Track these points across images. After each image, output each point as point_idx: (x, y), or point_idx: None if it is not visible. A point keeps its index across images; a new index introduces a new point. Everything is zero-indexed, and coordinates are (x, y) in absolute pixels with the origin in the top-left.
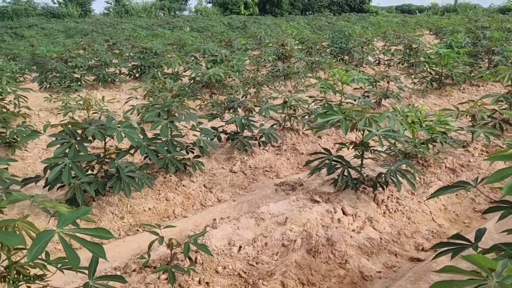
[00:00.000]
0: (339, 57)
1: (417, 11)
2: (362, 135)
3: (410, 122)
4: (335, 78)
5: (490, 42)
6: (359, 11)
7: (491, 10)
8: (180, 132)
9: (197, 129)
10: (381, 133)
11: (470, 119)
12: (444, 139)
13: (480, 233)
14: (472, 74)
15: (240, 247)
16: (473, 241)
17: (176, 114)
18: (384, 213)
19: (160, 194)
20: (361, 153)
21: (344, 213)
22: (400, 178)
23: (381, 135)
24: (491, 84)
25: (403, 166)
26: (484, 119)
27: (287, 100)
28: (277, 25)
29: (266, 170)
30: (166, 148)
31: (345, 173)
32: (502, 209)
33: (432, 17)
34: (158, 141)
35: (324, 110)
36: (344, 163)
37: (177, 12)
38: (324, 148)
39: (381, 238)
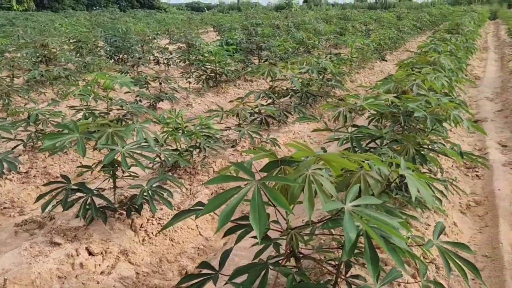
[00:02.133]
0: (117, 57)
1: (205, 8)
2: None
3: (171, 129)
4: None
5: (262, 38)
6: (150, 7)
7: (268, 8)
8: None
9: None
10: (126, 150)
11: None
12: (208, 144)
13: (223, 259)
14: (246, 70)
15: None
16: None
17: None
18: (143, 240)
19: None
20: (112, 174)
21: (90, 253)
22: (158, 197)
23: (125, 153)
24: (263, 79)
25: (160, 183)
26: (247, 117)
27: (30, 114)
28: (52, 21)
29: (5, 207)
30: None
31: (89, 202)
32: (241, 228)
33: (217, 15)
34: None
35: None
36: (86, 191)
37: None
38: (62, 176)
39: (138, 273)
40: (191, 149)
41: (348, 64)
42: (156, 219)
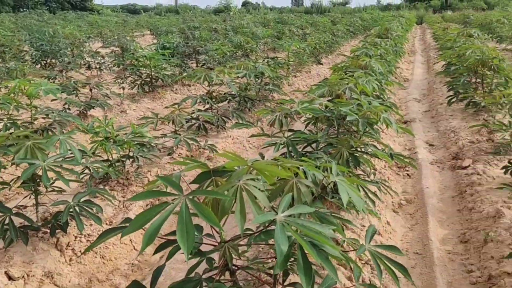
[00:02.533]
0: (44, 62)
1: (142, 11)
2: None
3: (101, 138)
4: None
5: (199, 41)
6: (82, 9)
7: (207, 11)
8: None
9: None
10: (47, 164)
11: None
12: (141, 153)
13: (155, 277)
14: (182, 75)
15: None
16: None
17: None
18: (71, 259)
19: None
20: (33, 190)
21: (10, 277)
22: (86, 213)
23: (47, 167)
24: (200, 83)
25: (89, 196)
26: (183, 123)
27: None
28: None
29: None
30: None
31: (6, 223)
32: (172, 244)
33: (153, 17)
34: None
35: None
36: (3, 210)
37: None
38: None
39: None
40: (124, 159)
41: (285, 68)
42: (84, 236)
